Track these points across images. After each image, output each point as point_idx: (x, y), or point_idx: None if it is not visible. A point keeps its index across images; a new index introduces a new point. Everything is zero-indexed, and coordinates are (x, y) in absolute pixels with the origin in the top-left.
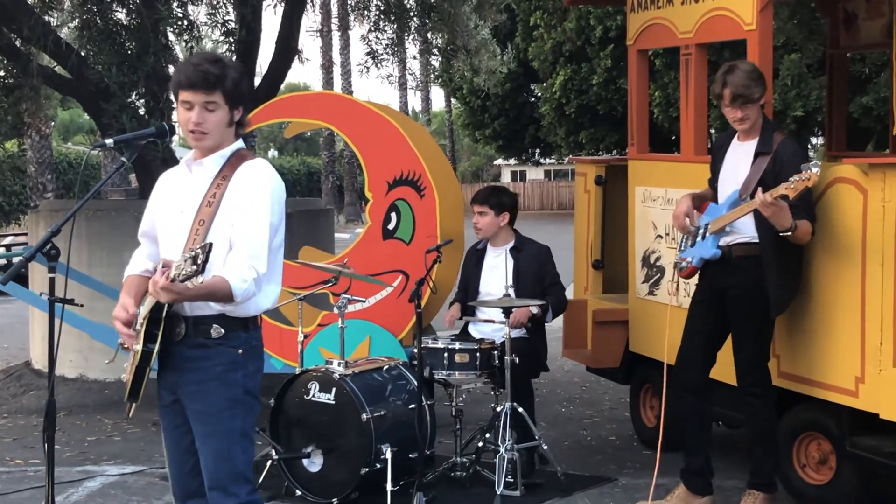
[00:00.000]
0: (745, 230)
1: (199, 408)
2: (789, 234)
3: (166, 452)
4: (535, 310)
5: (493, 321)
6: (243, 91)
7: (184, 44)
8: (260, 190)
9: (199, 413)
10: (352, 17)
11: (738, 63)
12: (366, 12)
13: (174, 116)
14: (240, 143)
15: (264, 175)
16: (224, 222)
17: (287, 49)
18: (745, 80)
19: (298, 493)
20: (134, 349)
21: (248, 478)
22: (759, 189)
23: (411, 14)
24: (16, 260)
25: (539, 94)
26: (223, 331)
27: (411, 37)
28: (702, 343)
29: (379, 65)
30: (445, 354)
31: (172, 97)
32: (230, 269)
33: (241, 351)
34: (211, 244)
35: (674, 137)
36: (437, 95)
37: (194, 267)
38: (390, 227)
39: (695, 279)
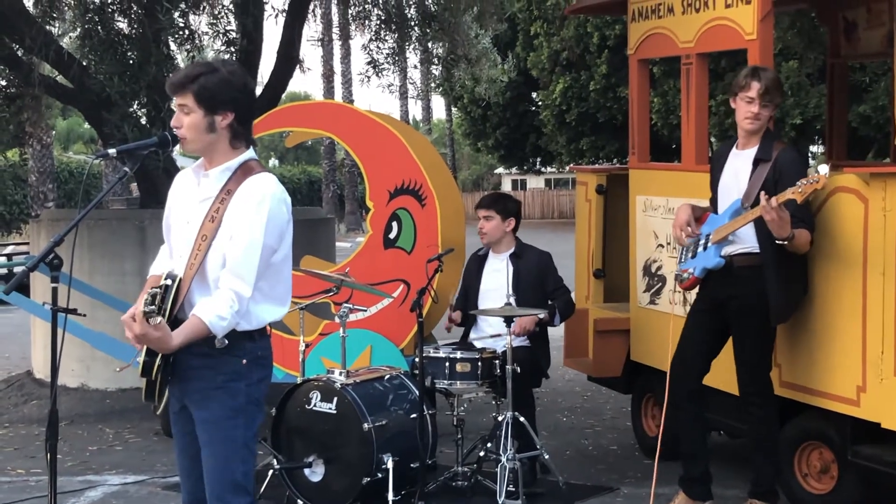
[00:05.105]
0: (748, 240)
1: (203, 416)
2: (786, 243)
3: (176, 459)
4: (541, 315)
5: (499, 335)
6: (220, 96)
7: (185, 53)
8: (255, 210)
9: (202, 421)
10: (353, 27)
11: (767, 67)
12: (367, 22)
13: None
14: (248, 155)
15: (264, 194)
16: (225, 239)
17: (288, 58)
18: (776, 82)
19: (300, 502)
20: (137, 360)
21: (246, 489)
22: (763, 194)
23: (412, 24)
24: (18, 269)
25: (540, 102)
26: (227, 341)
27: (412, 46)
28: (700, 351)
29: (380, 74)
30: (447, 364)
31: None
32: (208, 305)
33: (245, 361)
34: (167, 286)
35: (674, 146)
36: (438, 104)
37: (153, 307)
38: (391, 236)
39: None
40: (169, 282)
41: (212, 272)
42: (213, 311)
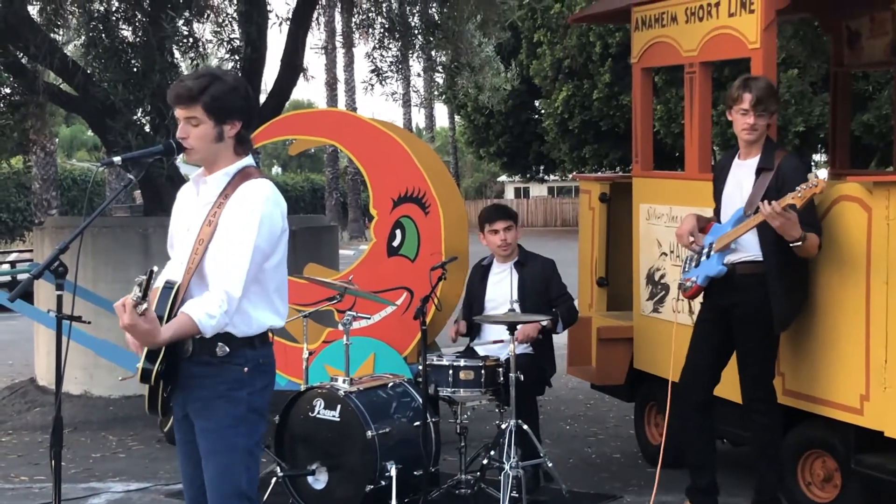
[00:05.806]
0: (750, 248)
1: (205, 425)
2: (799, 244)
3: (179, 467)
4: (544, 322)
5: (501, 340)
6: (230, 105)
7: (189, 61)
8: (248, 212)
9: (204, 430)
10: (356, 35)
11: (759, 76)
12: (370, 30)
13: None
14: (246, 161)
15: (258, 197)
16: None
17: (292, 66)
18: (768, 90)
19: None
20: (136, 366)
21: (250, 497)
22: (765, 201)
23: (415, 32)
24: (21, 276)
25: (542, 110)
26: (228, 349)
27: (415, 54)
28: (707, 361)
29: (383, 82)
30: (450, 371)
31: None
32: (198, 303)
33: (246, 369)
34: (153, 270)
35: (677, 154)
36: (441, 113)
37: (139, 295)
38: (395, 244)
39: (699, 298)
40: (155, 268)
41: (210, 275)
42: (203, 309)
